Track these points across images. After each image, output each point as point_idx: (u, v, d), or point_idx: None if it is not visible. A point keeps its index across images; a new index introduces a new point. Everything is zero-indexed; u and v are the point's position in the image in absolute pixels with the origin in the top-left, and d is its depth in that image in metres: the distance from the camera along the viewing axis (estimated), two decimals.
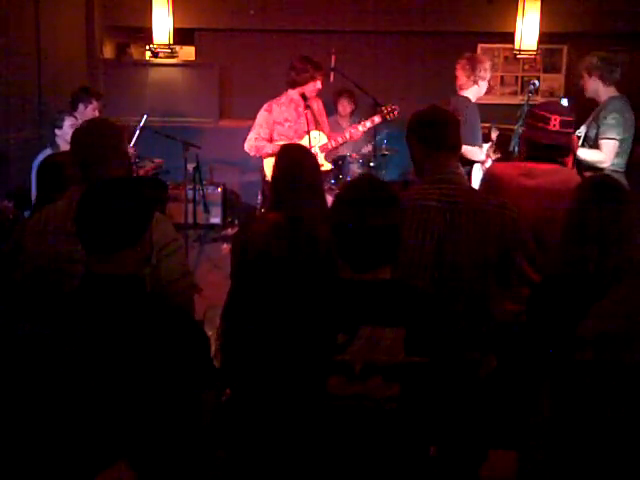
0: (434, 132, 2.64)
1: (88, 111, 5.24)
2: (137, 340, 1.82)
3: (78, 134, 2.63)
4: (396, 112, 5.22)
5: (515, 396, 2.58)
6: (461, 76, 4.87)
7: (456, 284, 2.56)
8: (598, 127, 4.48)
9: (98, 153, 2.51)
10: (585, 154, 4.46)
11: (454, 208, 2.57)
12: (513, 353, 2.68)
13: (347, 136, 5.26)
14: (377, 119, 5.26)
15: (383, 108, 5.26)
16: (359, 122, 5.37)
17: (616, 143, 4.45)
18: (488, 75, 4.87)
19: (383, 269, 1.96)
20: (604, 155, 4.45)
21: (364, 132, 5.34)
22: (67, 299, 1.91)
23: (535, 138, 3.16)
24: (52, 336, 1.82)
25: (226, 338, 2.94)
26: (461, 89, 4.89)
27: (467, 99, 4.84)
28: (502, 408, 2.57)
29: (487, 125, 5.02)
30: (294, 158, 2.94)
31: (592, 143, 4.52)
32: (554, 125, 3.08)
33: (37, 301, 2.10)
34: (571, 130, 3.21)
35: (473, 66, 4.83)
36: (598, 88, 4.59)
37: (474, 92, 4.87)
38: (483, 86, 4.88)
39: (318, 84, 5.10)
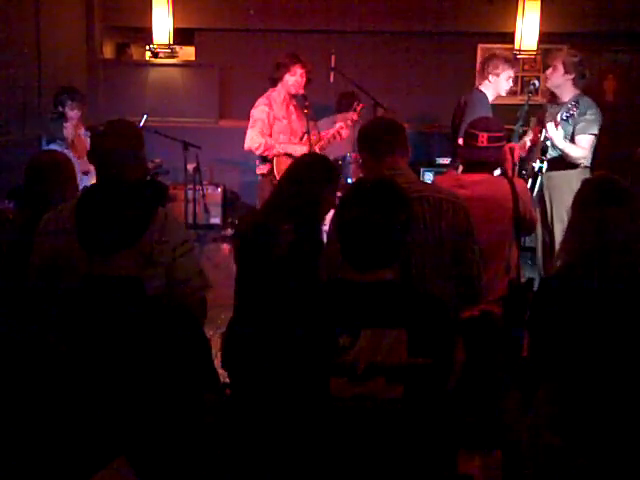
0: (378, 140, 2.79)
1: (70, 114, 5.25)
2: (136, 341, 1.83)
3: (97, 136, 2.61)
4: (358, 108, 5.39)
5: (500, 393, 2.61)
6: (478, 69, 5.21)
7: (420, 274, 2.63)
8: (575, 124, 4.48)
9: (117, 155, 2.50)
10: (569, 149, 4.47)
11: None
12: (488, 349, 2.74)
13: (335, 135, 5.29)
14: (355, 117, 5.38)
15: (355, 107, 5.43)
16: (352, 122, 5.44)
17: (594, 139, 4.48)
18: (500, 72, 4.96)
19: (386, 270, 1.96)
20: (585, 150, 4.48)
21: (348, 133, 5.41)
22: (67, 299, 1.91)
23: (467, 155, 3.43)
24: (52, 336, 1.82)
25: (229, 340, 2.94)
26: (479, 85, 5.10)
27: (482, 94, 4.98)
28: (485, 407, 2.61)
29: None
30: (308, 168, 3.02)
31: (569, 138, 4.51)
32: (482, 142, 3.30)
33: (42, 301, 2.10)
34: (500, 144, 3.40)
35: (484, 63, 5.06)
36: (565, 86, 4.59)
37: (489, 88, 5.00)
38: (498, 83, 4.99)
39: (298, 76, 5.02)
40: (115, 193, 1.90)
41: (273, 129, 5.07)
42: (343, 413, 1.88)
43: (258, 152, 5.06)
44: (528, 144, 4.73)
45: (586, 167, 4.53)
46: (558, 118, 4.40)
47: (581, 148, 4.47)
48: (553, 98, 4.78)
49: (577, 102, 4.42)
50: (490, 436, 2.65)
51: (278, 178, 4.95)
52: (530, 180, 4.56)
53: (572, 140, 4.50)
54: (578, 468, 2.16)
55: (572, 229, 2.38)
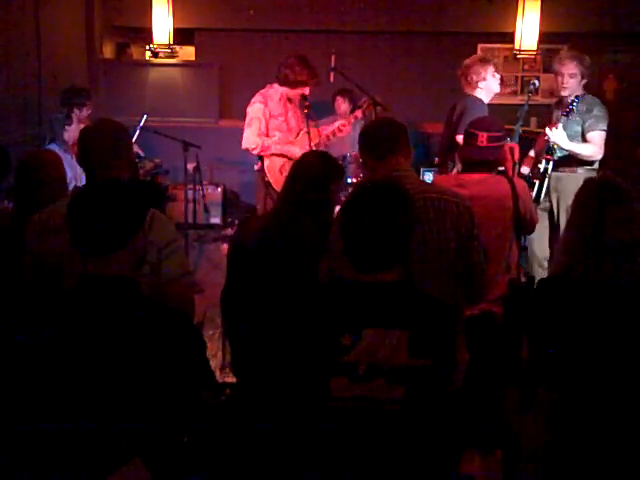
0: (380, 141, 2.79)
1: (83, 114, 5.25)
2: (131, 341, 1.82)
3: (84, 135, 2.62)
4: (365, 104, 5.35)
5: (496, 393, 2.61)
6: (463, 82, 4.97)
7: (422, 275, 2.62)
8: (583, 121, 4.48)
9: (104, 155, 2.50)
10: (579, 149, 4.47)
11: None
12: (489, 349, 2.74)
13: (335, 131, 5.29)
14: (359, 115, 5.39)
15: (361, 104, 5.41)
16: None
17: (604, 134, 4.48)
18: (484, 73, 4.89)
19: (389, 271, 1.95)
20: (597, 147, 4.47)
21: (350, 129, 5.40)
22: (63, 300, 1.91)
23: (466, 154, 3.44)
24: (48, 337, 1.82)
25: (231, 339, 2.94)
26: (471, 93, 4.98)
27: (477, 99, 4.90)
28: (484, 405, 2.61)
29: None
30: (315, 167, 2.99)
31: (578, 138, 4.51)
32: (482, 142, 3.31)
33: (37, 302, 2.10)
34: (500, 144, 3.40)
35: (465, 76, 4.93)
36: (575, 89, 4.59)
37: (482, 94, 4.92)
38: (487, 84, 4.91)
39: (306, 91, 5.03)
40: (107, 192, 1.89)
41: (269, 126, 5.06)
42: (343, 413, 1.87)
43: (255, 152, 5.05)
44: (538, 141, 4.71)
45: (593, 167, 4.51)
46: (559, 117, 4.40)
47: (593, 145, 4.46)
48: (560, 100, 4.76)
49: (577, 98, 4.41)
50: (490, 436, 2.65)
51: (269, 175, 4.98)
52: (537, 182, 4.54)
53: (583, 139, 4.50)
54: (578, 467, 2.16)
55: (571, 229, 2.38)
